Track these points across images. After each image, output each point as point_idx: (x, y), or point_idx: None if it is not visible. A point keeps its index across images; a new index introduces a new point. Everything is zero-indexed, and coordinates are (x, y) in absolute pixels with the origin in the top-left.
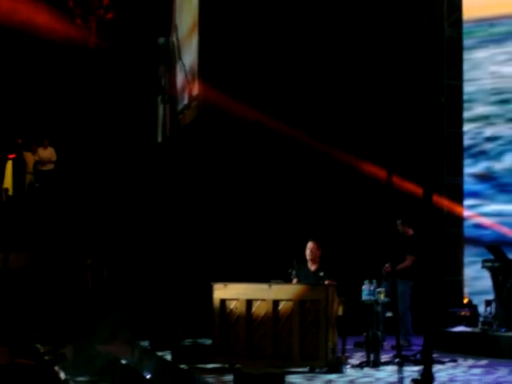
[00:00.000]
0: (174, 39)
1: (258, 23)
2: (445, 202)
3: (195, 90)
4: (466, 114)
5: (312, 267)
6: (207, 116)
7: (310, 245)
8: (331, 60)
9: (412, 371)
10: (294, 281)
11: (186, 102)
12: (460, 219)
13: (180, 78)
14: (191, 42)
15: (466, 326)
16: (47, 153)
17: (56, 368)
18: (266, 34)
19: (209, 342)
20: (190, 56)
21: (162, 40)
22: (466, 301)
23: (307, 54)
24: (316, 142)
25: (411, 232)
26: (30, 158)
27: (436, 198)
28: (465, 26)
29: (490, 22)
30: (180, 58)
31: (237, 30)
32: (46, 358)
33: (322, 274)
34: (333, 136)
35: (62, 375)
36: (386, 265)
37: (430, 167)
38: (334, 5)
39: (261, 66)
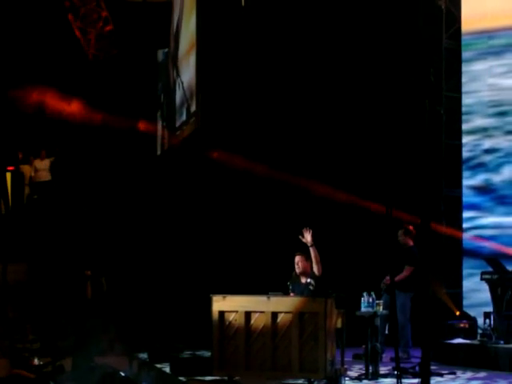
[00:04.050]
0: (172, 58)
1: (253, 44)
2: (443, 229)
3: (193, 107)
4: (465, 126)
5: (303, 280)
6: (205, 131)
7: (297, 258)
8: (325, 84)
9: (411, 383)
10: (291, 295)
11: (184, 118)
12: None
13: (178, 95)
14: (189, 60)
15: (465, 338)
16: (43, 164)
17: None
18: (262, 55)
19: (208, 354)
20: (188, 74)
21: (160, 57)
22: (457, 313)
23: (303, 80)
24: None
25: (411, 243)
26: (27, 170)
27: (434, 224)
28: (463, 38)
29: (489, 34)
30: (178, 76)
31: (233, 50)
32: (45, 370)
33: (308, 280)
34: (329, 164)
35: None
36: (387, 277)
37: (429, 180)
38: (332, 29)
39: (256, 87)
